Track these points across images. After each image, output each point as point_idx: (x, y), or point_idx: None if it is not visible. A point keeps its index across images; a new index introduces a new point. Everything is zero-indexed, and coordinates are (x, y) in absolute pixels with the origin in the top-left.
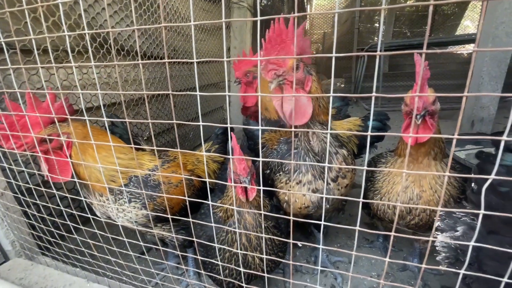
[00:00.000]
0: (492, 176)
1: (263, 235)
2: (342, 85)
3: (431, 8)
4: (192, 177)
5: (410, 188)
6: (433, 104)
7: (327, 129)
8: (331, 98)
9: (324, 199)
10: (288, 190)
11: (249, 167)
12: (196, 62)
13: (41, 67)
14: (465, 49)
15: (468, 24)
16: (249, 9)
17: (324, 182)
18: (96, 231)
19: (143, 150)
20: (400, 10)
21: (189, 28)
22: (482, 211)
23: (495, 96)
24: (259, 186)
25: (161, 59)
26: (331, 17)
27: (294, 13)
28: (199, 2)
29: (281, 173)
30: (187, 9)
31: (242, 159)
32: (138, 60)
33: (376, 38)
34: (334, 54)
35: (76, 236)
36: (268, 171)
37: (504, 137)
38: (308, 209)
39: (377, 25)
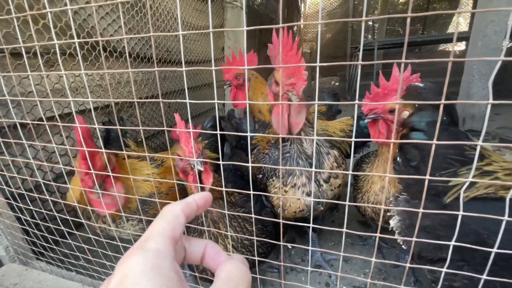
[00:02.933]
0: (470, 179)
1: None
2: (337, 83)
3: (408, 20)
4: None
5: (387, 188)
6: (391, 114)
7: (314, 129)
8: (316, 106)
9: (312, 200)
10: (283, 195)
11: (199, 148)
12: (188, 65)
13: (30, 74)
14: (443, 59)
15: (460, 21)
16: (243, 8)
17: (317, 183)
18: (90, 236)
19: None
20: (393, 8)
21: (182, 28)
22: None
23: (485, 93)
24: (250, 190)
25: (148, 59)
26: (324, 16)
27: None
28: (192, 2)
29: (274, 178)
30: (180, 10)
31: (189, 138)
32: (128, 64)
33: (370, 36)
34: (318, 64)
35: (70, 241)
36: (260, 176)
37: (480, 143)
38: (303, 212)
39: (370, 23)
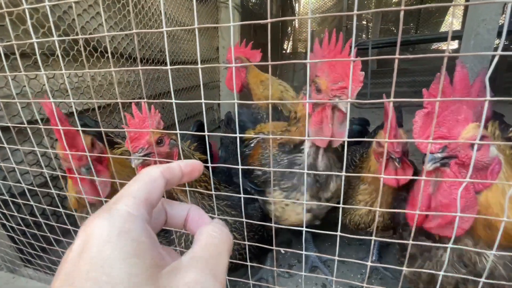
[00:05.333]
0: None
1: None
2: None
3: (402, 14)
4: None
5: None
6: (407, 144)
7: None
8: (306, 105)
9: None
10: (282, 208)
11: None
12: (182, 65)
13: (9, 75)
14: (439, 55)
15: (453, 21)
16: (237, 8)
17: (319, 201)
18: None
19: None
20: (386, 7)
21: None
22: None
23: None
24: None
25: (147, 60)
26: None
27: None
28: (185, 2)
29: (277, 188)
30: (173, 9)
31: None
32: (137, 65)
33: (364, 36)
34: (308, 61)
35: (58, 248)
36: (260, 173)
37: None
38: (299, 225)
39: (364, 22)
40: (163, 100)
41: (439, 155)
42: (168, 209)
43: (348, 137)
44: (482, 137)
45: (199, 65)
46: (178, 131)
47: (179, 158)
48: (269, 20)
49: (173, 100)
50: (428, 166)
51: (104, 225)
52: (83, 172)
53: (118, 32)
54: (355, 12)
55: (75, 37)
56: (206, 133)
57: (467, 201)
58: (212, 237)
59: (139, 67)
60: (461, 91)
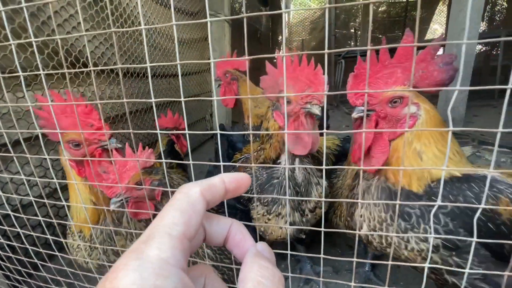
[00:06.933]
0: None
1: None
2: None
3: (369, 53)
4: None
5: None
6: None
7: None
8: (285, 120)
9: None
10: (265, 223)
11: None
12: (173, 78)
13: None
14: (409, 45)
15: (437, 28)
16: (227, 20)
17: (302, 213)
18: (64, 268)
19: None
20: (373, 17)
21: (166, 43)
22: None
23: (463, 96)
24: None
25: (137, 74)
26: (308, 25)
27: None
28: (176, 15)
29: (258, 203)
30: (162, 22)
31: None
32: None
33: (352, 44)
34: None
35: (43, 274)
36: None
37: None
38: (284, 239)
39: (352, 31)
40: (149, 131)
41: (362, 108)
42: (206, 227)
43: (340, 149)
44: (401, 98)
45: (182, 99)
46: (163, 159)
47: (165, 195)
48: (246, 57)
49: (158, 131)
50: (354, 115)
51: (133, 280)
52: (112, 143)
53: (96, 32)
54: (326, 51)
55: (63, 69)
56: (190, 162)
57: (379, 145)
58: (263, 286)
59: (124, 100)
60: (402, 57)
